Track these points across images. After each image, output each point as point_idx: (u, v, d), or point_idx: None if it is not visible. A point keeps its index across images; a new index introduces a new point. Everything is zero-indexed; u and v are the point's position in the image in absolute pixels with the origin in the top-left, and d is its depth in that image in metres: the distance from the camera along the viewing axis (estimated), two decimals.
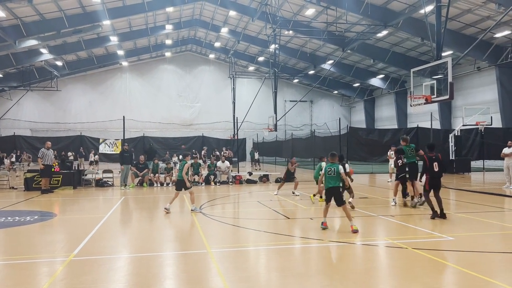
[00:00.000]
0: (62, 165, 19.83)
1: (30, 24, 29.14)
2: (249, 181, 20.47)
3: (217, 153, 30.56)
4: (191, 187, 11.74)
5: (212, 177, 20.16)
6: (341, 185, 8.97)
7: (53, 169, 17.20)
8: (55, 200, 14.60)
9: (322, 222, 8.89)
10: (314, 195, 13.41)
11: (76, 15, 30.00)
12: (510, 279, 5.68)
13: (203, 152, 33.85)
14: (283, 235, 8.46)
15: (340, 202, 8.83)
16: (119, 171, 19.47)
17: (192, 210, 11.41)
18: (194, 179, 18.96)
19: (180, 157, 28.88)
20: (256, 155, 34.79)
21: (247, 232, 8.98)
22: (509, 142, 16.97)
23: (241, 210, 12.74)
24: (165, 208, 11.28)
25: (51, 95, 45.07)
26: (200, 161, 22.70)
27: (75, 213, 12.07)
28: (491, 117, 26.61)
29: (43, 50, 35.03)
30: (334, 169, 8.81)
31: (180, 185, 11.69)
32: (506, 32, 26.80)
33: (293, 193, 15.06)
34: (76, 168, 27.31)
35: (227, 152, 32.60)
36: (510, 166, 16.49)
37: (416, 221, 10.01)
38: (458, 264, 6.24)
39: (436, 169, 9.94)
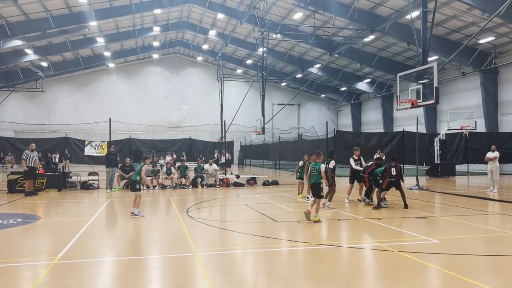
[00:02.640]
0: (47, 167, 19.54)
1: (15, 24, 28.73)
2: (237, 184, 20.43)
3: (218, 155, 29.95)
4: (140, 191, 11.35)
5: (199, 179, 20.08)
6: (322, 181, 10.17)
7: (37, 171, 16.94)
8: (39, 203, 14.38)
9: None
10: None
11: (62, 16, 29.67)
12: (493, 281, 5.76)
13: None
14: (270, 238, 8.45)
15: (318, 196, 10.08)
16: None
17: (132, 213, 11.00)
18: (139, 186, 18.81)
19: (167, 158, 28.69)
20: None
21: (234, 235, 8.96)
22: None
23: (228, 213, 12.70)
24: (132, 213, 11.03)
25: (36, 96, 44.44)
26: (187, 164, 22.60)
27: (60, 216, 11.91)
28: (476, 121, 27.01)
29: (28, 51, 34.57)
30: (316, 167, 10.10)
31: (134, 186, 11.42)
32: (490, 38, 27.29)
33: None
34: (61, 170, 26.96)
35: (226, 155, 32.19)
36: (493, 170, 16.75)
37: (401, 224, 10.11)
38: (443, 267, 6.30)
39: (393, 173, 12.34)
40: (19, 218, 10.93)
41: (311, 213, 9.83)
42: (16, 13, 27.55)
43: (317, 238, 8.57)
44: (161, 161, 29.76)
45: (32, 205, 13.76)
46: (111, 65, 47.11)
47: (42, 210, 12.94)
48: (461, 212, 11.66)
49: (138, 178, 11.38)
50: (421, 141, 24.96)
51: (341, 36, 31.78)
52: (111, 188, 18.22)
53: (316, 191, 10.14)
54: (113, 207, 13.60)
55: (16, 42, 30.78)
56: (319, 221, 9.78)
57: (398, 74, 18.18)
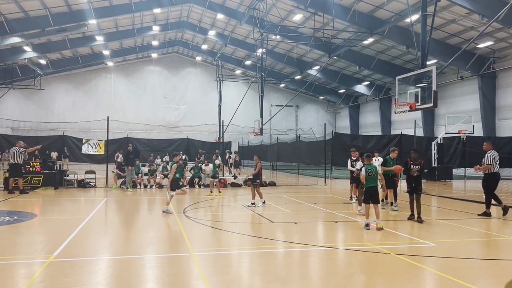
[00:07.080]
0: (44, 165, 19.48)
1: (14, 21, 28.65)
2: (234, 185, 20.41)
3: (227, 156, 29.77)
4: (174, 190, 11.62)
5: (196, 179, 20.04)
6: (379, 184, 9.77)
7: (33, 169, 16.88)
8: (36, 201, 14.34)
9: (366, 224, 9.39)
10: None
11: (62, 14, 29.62)
12: (489, 285, 5.76)
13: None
14: (267, 239, 8.44)
15: (377, 201, 9.45)
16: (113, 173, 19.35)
17: (163, 211, 11.30)
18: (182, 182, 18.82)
19: (165, 158, 28.66)
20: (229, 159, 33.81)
21: (231, 235, 8.94)
22: None
23: (225, 214, 12.68)
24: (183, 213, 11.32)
25: (34, 93, 44.34)
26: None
27: (56, 214, 11.86)
28: (473, 126, 27.05)
29: (27, 48, 34.46)
30: (373, 170, 9.48)
31: (175, 185, 11.73)
32: (489, 43, 27.35)
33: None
34: (59, 168, 26.88)
35: (234, 156, 32.01)
36: None
37: (398, 226, 10.11)
38: (439, 270, 6.30)
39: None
40: (15, 215, 10.89)
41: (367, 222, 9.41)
42: (15, 10, 27.47)
43: (314, 240, 8.56)
44: (157, 161, 29.73)
45: (28, 203, 13.72)
46: (110, 63, 47.02)
47: (38, 208, 12.90)
48: (458, 216, 11.68)
49: (177, 175, 11.78)
50: (419, 144, 24.99)
51: (341, 39, 31.82)
52: (129, 187, 18.17)
53: (372, 195, 9.44)
54: (110, 205, 13.56)
55: (15, 39, 30.66)
56: (381, 229, 9.17)
57: (397, 77, 18.19)
